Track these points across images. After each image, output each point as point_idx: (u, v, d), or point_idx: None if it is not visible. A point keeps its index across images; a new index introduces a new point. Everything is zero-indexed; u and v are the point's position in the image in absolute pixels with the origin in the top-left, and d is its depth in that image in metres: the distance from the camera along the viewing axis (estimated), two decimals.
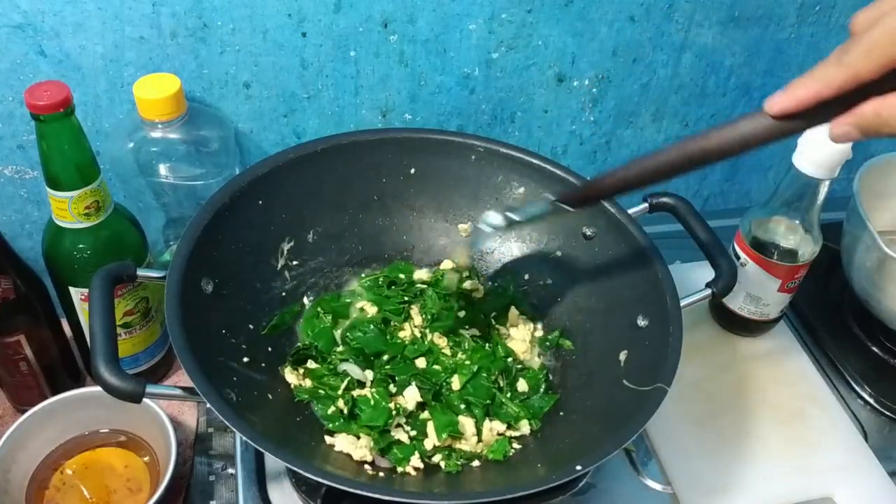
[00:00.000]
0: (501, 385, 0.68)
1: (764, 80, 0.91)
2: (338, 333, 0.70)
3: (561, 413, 0.65)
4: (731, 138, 0.47)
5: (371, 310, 0.72)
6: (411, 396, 0.65)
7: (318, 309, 0.71)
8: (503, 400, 0.66)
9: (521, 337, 0.72)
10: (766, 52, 0.89)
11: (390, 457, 0.62)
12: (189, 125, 0.71)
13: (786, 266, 0.75)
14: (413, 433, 0.63)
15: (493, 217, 0.61)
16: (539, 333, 0.73)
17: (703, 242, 0.68)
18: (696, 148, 0.49)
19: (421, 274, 0.75)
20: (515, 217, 0.60)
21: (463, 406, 0.65)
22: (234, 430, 0.51)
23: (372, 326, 0.70)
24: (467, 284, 0.74)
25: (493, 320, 0.73)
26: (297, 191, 0.70)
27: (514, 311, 0.74)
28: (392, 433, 0.63)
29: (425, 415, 0.65)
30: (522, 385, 0.68)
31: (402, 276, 0.75)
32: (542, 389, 0.68)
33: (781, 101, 0.45)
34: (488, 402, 0.66)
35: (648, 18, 0.82)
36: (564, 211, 0.58)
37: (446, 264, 0.76)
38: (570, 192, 0.60)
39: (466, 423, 0.64)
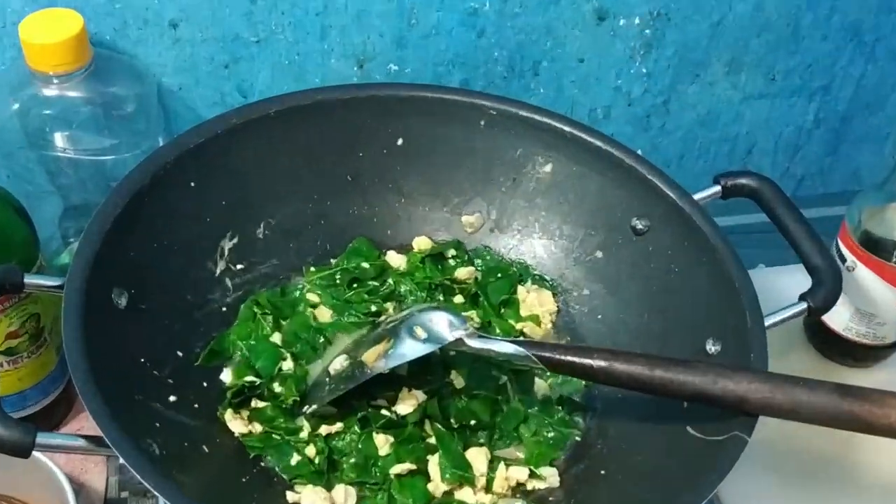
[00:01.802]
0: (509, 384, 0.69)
1: (878, 18, 0.91)
2: (277, 338, 0.69)
3: (602, 472, 0.65)
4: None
5: (324, 314, 0.72)
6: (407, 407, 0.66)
7: (255, 308, 0.71)
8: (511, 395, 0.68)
9: (528, 310, 0.74)
10: None
11: None
12: (95, 79, 0.71)
13: None
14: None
15: (440, 324, 0.62)
16: (556, 307, 0.75)
17: (796, 239, 0.68)
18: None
19: (392, 257, 0.76)
20: (469, 342, 0.62)
21: (468, 429, 0.66)
22: (156, 494, 0.51)
23: (321, 339, 0.69)
24: (461, 273, 0.75)
25: (499, 307, 0.74)
26: (242, 169, 0.71)
27: (522, 290, 0.75)
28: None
29: (429, 441, 0.65)
30: (541, 386, 0.69)
31: (365, 265, 0.74)
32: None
33: None
34: (497, 396, 0.68)
35: None
36: (534, 364, 0.61)
37: (422, 242, 0.77)
38: (552, 350, 0.62)
39: (476, 458, 0.64)
